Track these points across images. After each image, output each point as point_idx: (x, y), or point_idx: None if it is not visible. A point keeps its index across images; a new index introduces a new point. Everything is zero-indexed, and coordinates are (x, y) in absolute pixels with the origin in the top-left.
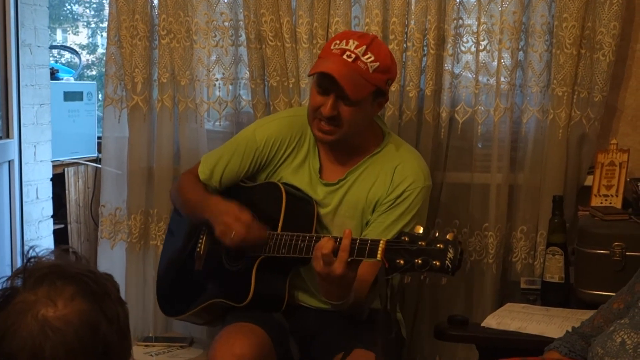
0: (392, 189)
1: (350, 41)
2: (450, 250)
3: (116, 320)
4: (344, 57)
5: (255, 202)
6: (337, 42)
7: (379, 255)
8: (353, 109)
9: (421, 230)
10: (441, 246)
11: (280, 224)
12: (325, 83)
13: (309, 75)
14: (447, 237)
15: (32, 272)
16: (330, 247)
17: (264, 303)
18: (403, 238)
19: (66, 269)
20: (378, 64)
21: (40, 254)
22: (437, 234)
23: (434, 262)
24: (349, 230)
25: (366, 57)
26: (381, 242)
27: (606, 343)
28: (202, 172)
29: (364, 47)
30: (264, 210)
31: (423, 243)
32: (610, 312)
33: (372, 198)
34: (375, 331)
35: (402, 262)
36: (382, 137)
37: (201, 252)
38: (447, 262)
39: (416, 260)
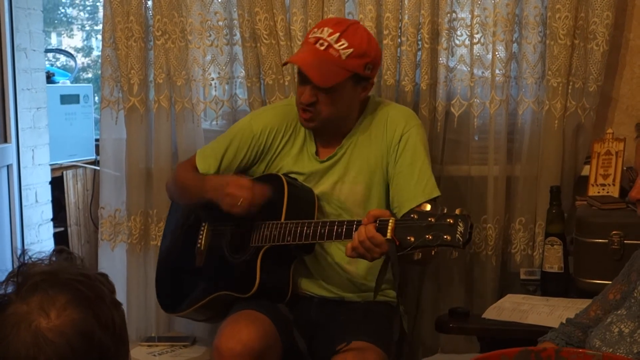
0: (390, 138)
1: (325, 29)
2: (461, 224)
3: (111, 325)
4: (317, 45)
5: None
6: (315, 30)
7: (388, 234)
8: (330, 95)
9: (429, 207)
10: (451, 221)
11: (283, 213)
12: (300, 72)
13: (282, 65)
14: (456, 211)
15: (25, 279)
16: (376, 233)
17: (269, 293)
18: (412, 216)
19: (58, 276)
20: (352, 50)
21: (34, 258)
22: (445, 210)
23: (445, 237)
24: (369, 216)
25: (339, 44)
26: (390, 220)
27: (605, 335)
28: (199, 164)
29: (338, 34)
30: (267, 201)
31: (432, 219)
32: (606, 302)
33: (376, 155)
34: (378, 321)
35: (412, 238)
36: (366, 101)
37: (202, 248)
38: (458, 235)
39: (427, 236)
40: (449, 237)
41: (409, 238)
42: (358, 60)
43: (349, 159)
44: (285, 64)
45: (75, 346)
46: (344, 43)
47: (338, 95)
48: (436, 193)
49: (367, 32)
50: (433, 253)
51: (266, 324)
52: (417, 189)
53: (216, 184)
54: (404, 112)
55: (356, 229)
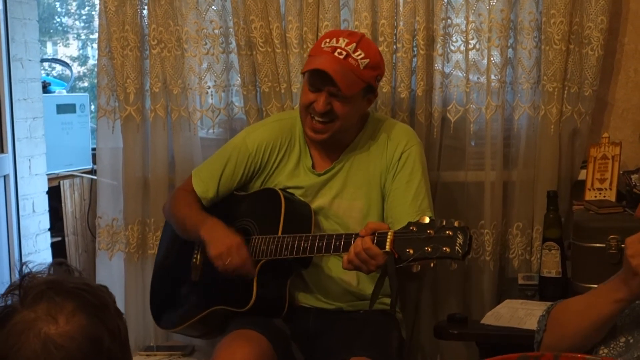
0: (391, 155)
1: (341, 39)
2: (460, 236)
3: (117, 332)
4: (335, 54)
5: (254, 208)
6: (327, 40)
7: (387, 246)
8: (345, 105)
9: (427, 220)
10: (450, 233)
11: (280, 227)
12: (317, 80)
13: (302, 73)
14: (455, 224)
15: (29, 289)
16: (372, 245)
17: (266, 307)
18: (411, 228)
19: (63, 284)
20: (368, 60)
21: (34, 270)
22: (444, 222)
23: (444, 249)
24: (367, 228)
25: (357, 54)
26: (389, 233)
27: (609, 343)
28: (197, 185)
29: (354, 44)
30: (263, 215)
31: (431, 231)
32: None
33: (375, 172)
34: (377, 332)
35: (411, 251)
36: (367, 117)
37: (197, 263)
38: (457, 247)
39: (426, 248)
40: (448, 249)
41: (408, 250)
42: (372, 72)
43: (347, 174)
44: (307, 70)
45: (85, 351)
46: (361, 53)
47: (351, 105)
48: (429, 214)
49: (376, 45)
50: (432, 265)
51: (262, 343)
52: (411, 208)
53: (218, 230)
54: (405, 130)
55: (354, 241)
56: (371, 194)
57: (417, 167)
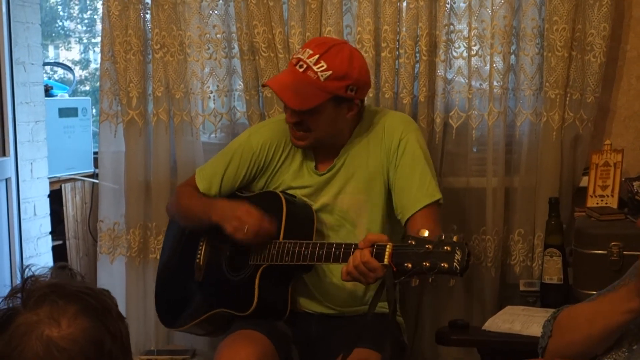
0: (389, 145)
1: (307, 50)
2: (458, 252)
3: (119, 336)
4: (297, 67)
5: None
6: (301, 50)
7: (386, 260)
8: (312, 117)
9: (426, 234)
10: (448, 248)
11: (282, 232)
12: None
13: (262, 87)
14: (454, 239)
15: (31, 292)
16: (370, 258)
17: (268, 311)
18: (410, 242)
19: (66, 287)
20: (331, 72)
21: (37, 273)
22: (443, 237)
23: (442, 265)
24: (366, 240)
25: (318, 66)
26: (388, 246)
27: (612, 349)
28: (200, 183)
29: (317, 56)
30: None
31: (430, 246)
32: None
33: (376, 163)
34: (379, 332)
35: (410, 265)
36: (362, 111)
37: (201, 263)
38: (455, 263)
39: (424, 263)
40: (446, 265)
41: (406, 265)
42: (338, 83)
43: (347, 170)
44: (264, 85)
45: (88, 355)
46: (323, 65)
47: (320, 116)
48: (438, 195)
49: (352, 54)
50: (430, 280)
51: (264, 344)
52: (419, 193)
53: (225, 207)
54: (401, 118)
55: (353, 253)
56: (373, 186)
57: (417, 152)
